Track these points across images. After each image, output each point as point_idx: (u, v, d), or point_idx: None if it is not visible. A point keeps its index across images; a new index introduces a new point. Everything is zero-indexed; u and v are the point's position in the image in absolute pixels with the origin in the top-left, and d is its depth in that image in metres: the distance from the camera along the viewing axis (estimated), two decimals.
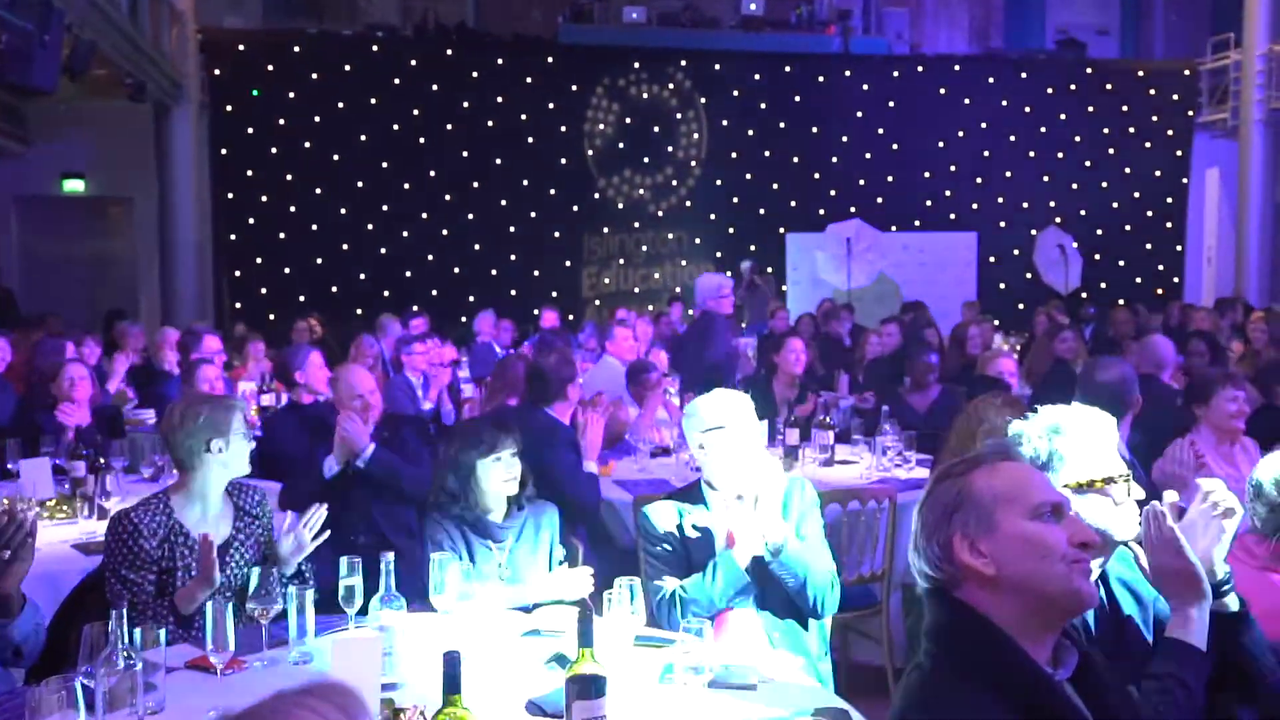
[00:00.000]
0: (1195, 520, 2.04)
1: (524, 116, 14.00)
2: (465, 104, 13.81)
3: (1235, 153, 15.24)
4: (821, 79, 14.96)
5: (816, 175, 15.00)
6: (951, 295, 14.52)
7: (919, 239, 15.26)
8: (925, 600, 1.69)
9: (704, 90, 14.64)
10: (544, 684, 2.46)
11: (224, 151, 13.30)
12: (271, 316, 12.66)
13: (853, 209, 14.58)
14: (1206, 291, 16.01)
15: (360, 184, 13.57)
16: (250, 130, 13.30)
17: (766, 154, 14.80)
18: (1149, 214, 15.91)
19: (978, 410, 3.28)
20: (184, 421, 2.98)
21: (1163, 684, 1.87)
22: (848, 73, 15.04)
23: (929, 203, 15.35)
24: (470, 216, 13.93)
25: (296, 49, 13.49)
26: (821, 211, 14.67)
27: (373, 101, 13.54)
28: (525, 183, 14.07)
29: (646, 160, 14.54)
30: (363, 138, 13.53)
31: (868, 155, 15.11)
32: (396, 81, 13.59)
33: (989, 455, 1.76)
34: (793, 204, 14.91)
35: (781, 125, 14.84)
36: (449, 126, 13.76)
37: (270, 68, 13.36)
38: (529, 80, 14.03)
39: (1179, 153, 15.96)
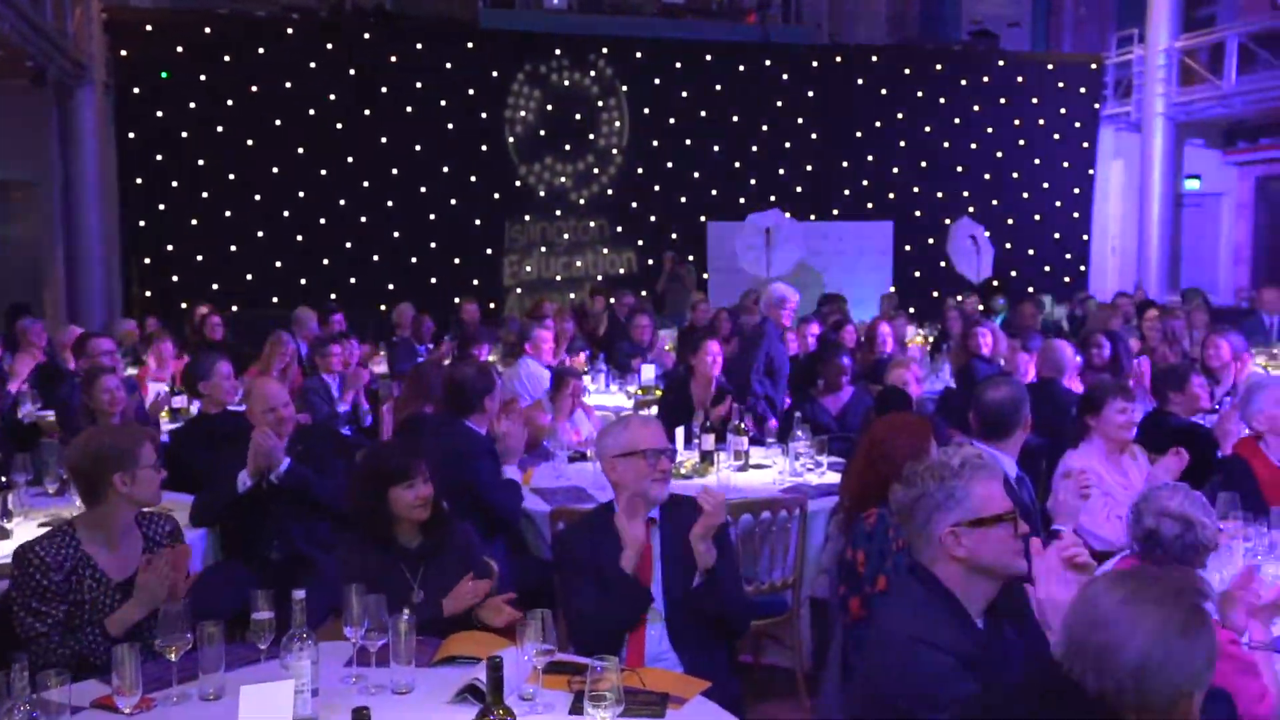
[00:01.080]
0: (1053, 566, 2.20)
1: (444, 102, 13.85)
2: (384, 89, 13.60)
3: (1139, 145, 15.77)
4: (742, 68, 15.06)
5: (737, 164, 15.12)
6: (869, 284, 14.86)
7: (838, 228, 15.53)
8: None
9: (625, 78, 14.64)
10: (456, 717, 2.50)
11: (131, 135, 12.90)
12: (183, 305, 12.37)
13: (773, 198, 14.77)
14: (1111, 280, 16.58)
15: (275, 170, 13.29)
16: (159, 114, 12.92)
17: (688, 142, 14.86)
18: (1057, 204, 16.40)
19: (883, 452, 3.36)
20: (88, 454, 2.93)
21: None
22: (768, 62, 15.15)
23: (847, 192, 15.60)
24: (389, 204, 13.75)
25: (207, 30, 13.12)
26: (742, 200, 14.83)
27: (288, 85, 13.25)
28: (445, 169, 13.93)
29: (568, 148, 14.49)
30: (278, 122, 13.24)
31: (787, 144, 15.28)
32: (312, 65, 13.32)
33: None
34: (714, 192, 15.02)
35: (703, 114, 14.90)
36: (367, 112, 13.54)
37: (180, 49, 12.97)
38: (449, 65, 13.86)
39: (1085, 145, 16.45)
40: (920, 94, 15.71)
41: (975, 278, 14.22)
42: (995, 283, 15.07)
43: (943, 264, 15.38)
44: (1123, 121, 16.32)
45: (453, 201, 14.01)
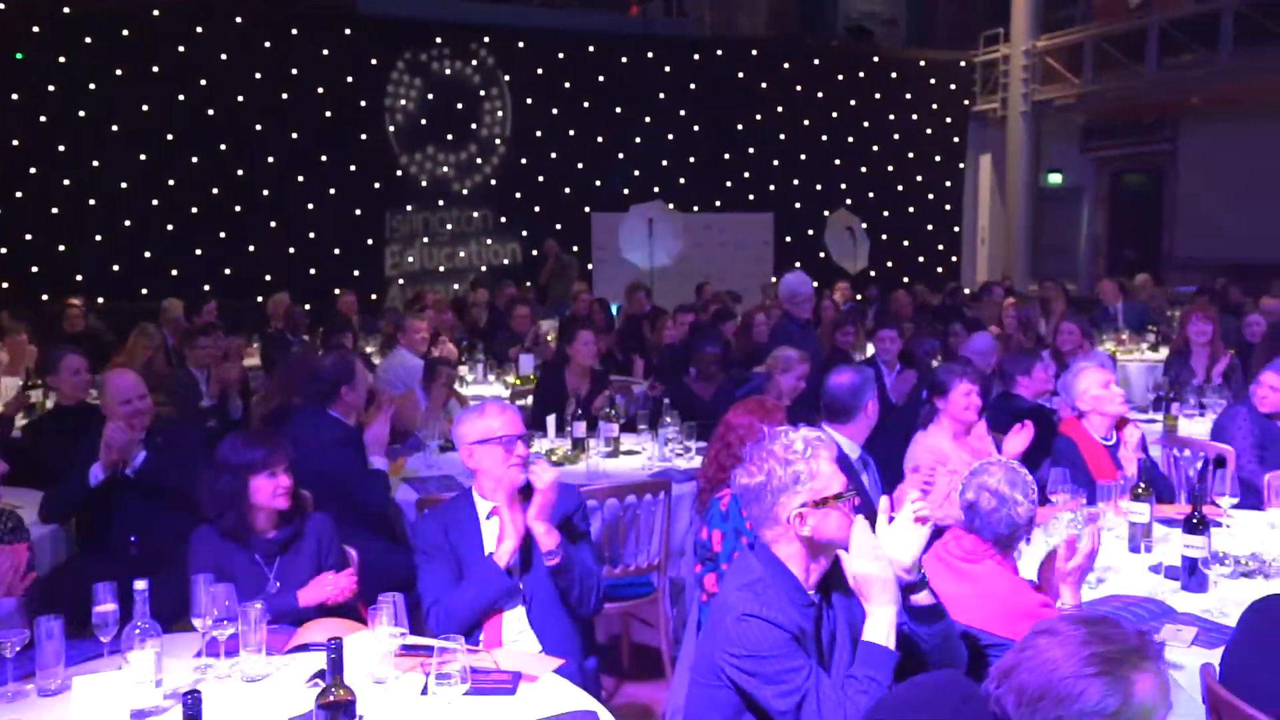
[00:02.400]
0: (899, 525, 2.30)
1: (320, 89, 13.57)
2: (257, 75, 13.25)
3: (1004, 140, 16.44)
4: (624, 59, 15.16)
5: (621, 155, 15.22)
6: (751, 275, 15.13)
7: (720, 219, 15.79)
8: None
9: (507, 67, 14.58)
10: (306, 701, 2.51)
11: None
12: (44, 297, 11.88)
13: (656, 189, 14.93)
14: (981, 271, 17.26)
15: (143, 157, 12.82)
16: (15, 96, 12.32)
17: (571, 133, 14.89)
18: (930, 197, 16.99)
19: (738, 435, 3.48)
20: None
21: (860, 683, 2.12)
22: (650, 54, 15.29)
23: (729, 184, 15.86)
24: (265, 193, 13.41)
25: (67, 10, 12.55)
26: (626, 191, 14.95)
27: (155, 70, 12.79)
28: (323, 158, 13.65)
29: (450, 137, 14.37)
30: (144, 108, 12.76)
31: (670, 136, 15.45)
32: (181, 50, 12.88)
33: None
34: (598, 183, 15.09)
35: (585, 104, 14.95)
36: (240, 98, 13.17)
37: (36, 29, 12.38)
38: (325, 52, 13.58)
39: (956, 139, 17.08)
40: (799, 88, 16.07)
41: (852, 269, 14.63)
42: (873, 273, 15.60)
43: (822, 255, 15.77)
44: (989, 117, 16.98)
45: (332, 191, 13.74)
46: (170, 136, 12.90)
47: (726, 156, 15.78)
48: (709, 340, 6.04)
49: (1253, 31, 12.97)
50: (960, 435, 4.36)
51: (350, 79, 13.71)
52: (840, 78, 16.31)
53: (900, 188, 16.76)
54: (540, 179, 14.82)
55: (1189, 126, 15.83)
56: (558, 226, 14.82)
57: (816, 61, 16.27)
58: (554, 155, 14.86)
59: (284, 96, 13.36)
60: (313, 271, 13.59)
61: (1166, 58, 14.18)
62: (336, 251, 13.84)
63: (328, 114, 13.61)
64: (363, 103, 13.83)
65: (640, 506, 4.32)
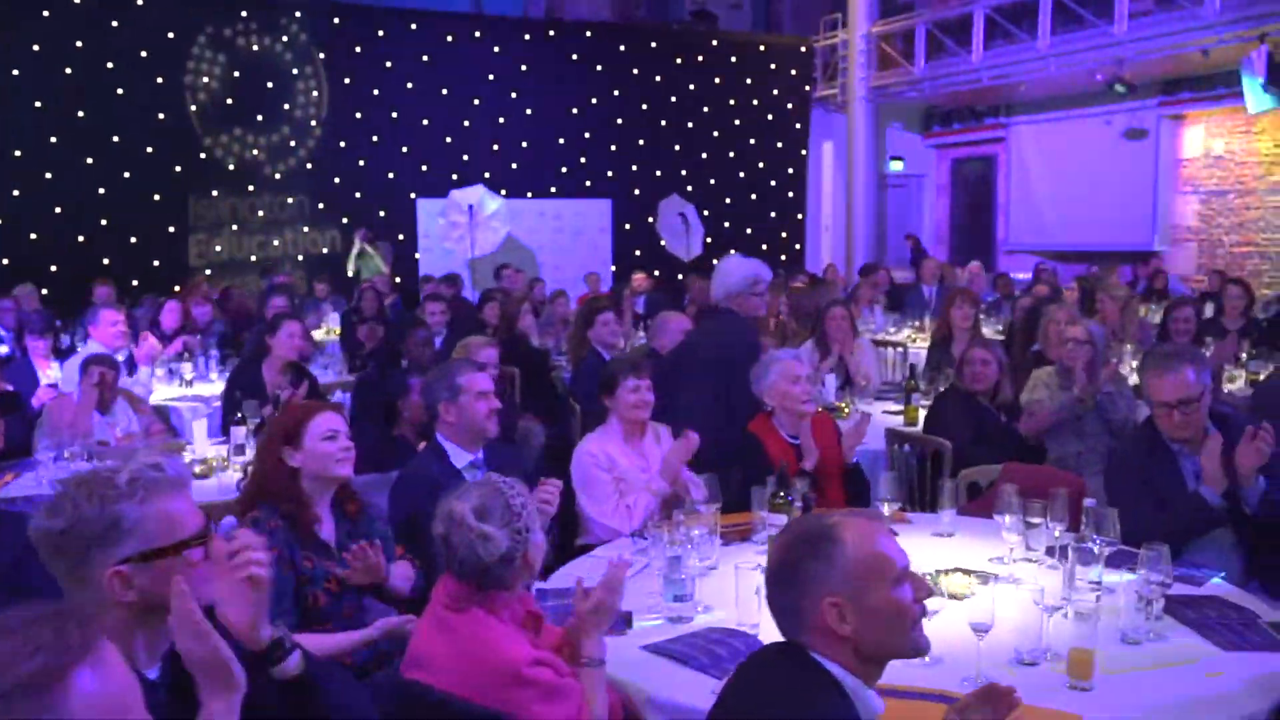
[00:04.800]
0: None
1: (110, 65, 12.57)
2: (35, 47, 12.18)
3: (845, 127, 16.30)
4: (451, 38, 14.51)
5: (448, 139, 14.58)
6: (588, 262, 14.67)
7: (555, 206, 15.29)
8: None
9: (322, 45, 13.79)
10: None
11: None
12: None
13: (487, 174, 14.34)
14: (825, 258, 17.12)
15: None
16: None
17: (394, 115, 14.18)
18: (773, 184, 16.75)
19: None
20: None
21: None
22: (478, 33, 14.66)
23: (564, 169, 15.35)
24: (48, 176, 12.35)
25: None
26: (455, 176, 14.29)
27: None
28: (115, 139, 12.67)
29: (260, 118, 13.51)
30: None
31: (501, 120, 14.86)
32: None
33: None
34: (424, 168, 14.41)
35: (409, 85, 14.25)
36: (15, 72, 12.10)
37: None
38: (115, 24, 12.58)
39: (798, 126, 16.87)
40: (636, 71, 15.64)
41: (685, 256, 14.31)
42: (715, 262, 15.20)
43: (663, 242, 15.43)
44: (831, 104, 16.84)
45: (126, 175, 12.76)
46: None
47: (561, 141, 15.26)
48: (419, 328, 5.52)
49: (1071, 19, 13.03)
50: (633, 436, 3.93)
51: (144, 54, 12.74)
52: (679, 61, 15.94)
53: (742, 174, 16.48)
54: (361, 163, 14.07)
55: (1019, 115, 15.93)
56: (381, 213, 14.12)
57: (654, 44, 15.86)
58: (375, 139, 14.13)
59: (67, 72, 12.33)
60: (106, 261, 12.58)
61: (992, 44, 14.20)
62: (133, 240, 12.87)
63: (119, 92, 12.62)
64: (159, 80, 12.86)
65: None
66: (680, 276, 12.89)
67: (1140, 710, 2.29)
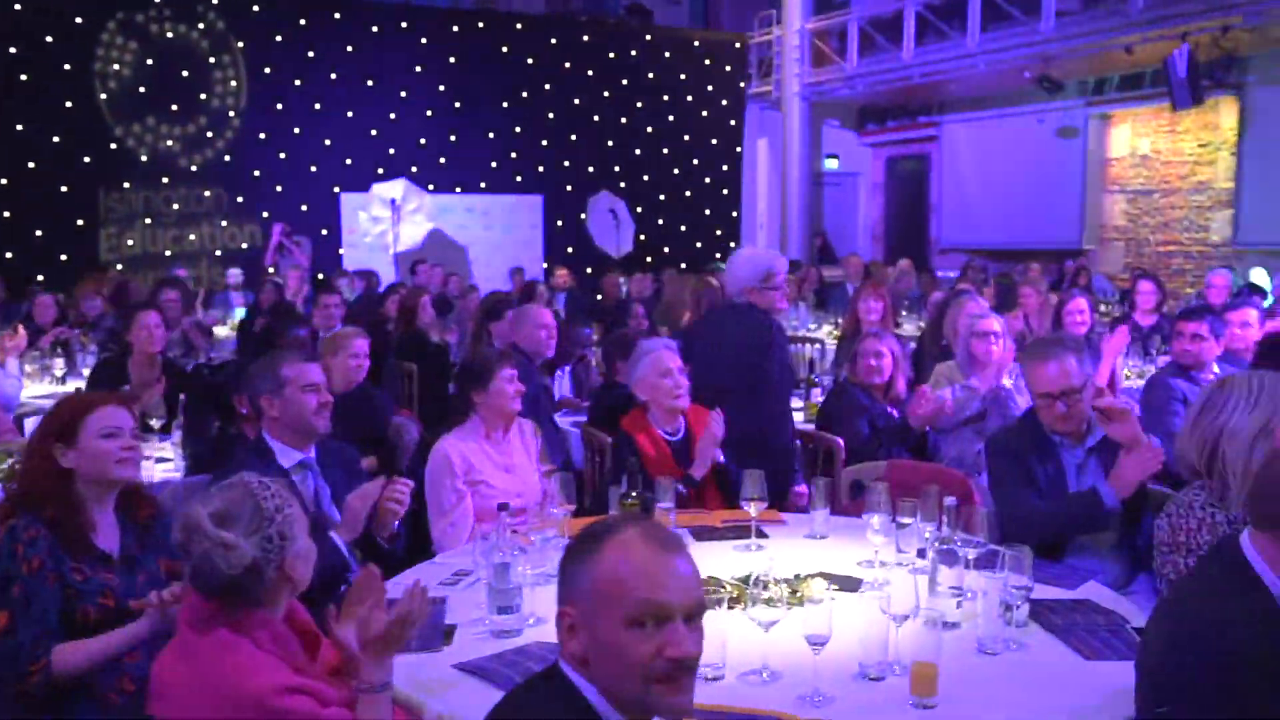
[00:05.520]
0: None
1: (13, 49, 12.05)
2: None
3: (780, 124, 16.19)
4: (376, 29, 14.13)
5: (374, 132, 14.19)
6: (520, 259, 14.42)
7: (484, 201, 15.00)
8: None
9: (241, 33, 13.35)
10: None
11: None
12: None
13: (414, 169, 14.02)
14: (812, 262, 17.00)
15: None
16: None
17: (317, 106, 13.78)
18: (707, 181, 16.58)
19: None
20: None
21: None
22: (404, 24, 14.32)
23: (494, 164, 15.04)
24: None
25: None
26: (380, 171, 13.95)
27: None
28: (19, 128, 12.14)
29: (175, 108, 13.04)
30: None
31: (429, 113, 14.51)
32: None
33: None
34: (348, 161, 14.02)
35: (333, 76, 13.86)
36: None
37: None
38: (19, 7, 12.07)
39: (733, 122, 16.72)
40: (568, 65, 15.38)
41: (616, 252, 14.11)
42: (649, 259, 15.11)
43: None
44: (766, 100, 16.72)
45: (30, 165, 12.23)
46: None
47: (491, 136, 14.94)
48: (296, 323, 5.24)
49: (1000, 16, 13.03)
50: (497, 432, 3.69)
51: (49, 38, 12.23)
52: (612, 56, 15.70)
53: (676, 171, 16.29)
54: (282, 156, 13.65)
55: (952, 114, 15.93)
56: (303, 208, 13.73)
57: (587, 38, 15.62)
58: (297, 130, 13.70)
59: None
60: (9, 255, 12.10)
61: (924, 42, 14.17)
62: (38, 234, 12.36)
63: (22, 77, 12.11)
64: (67, 66, 12.36)
65: None
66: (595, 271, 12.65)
67: None
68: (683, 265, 14.82)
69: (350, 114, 14.02)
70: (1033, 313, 7.32)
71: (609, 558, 1.50)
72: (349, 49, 13.93)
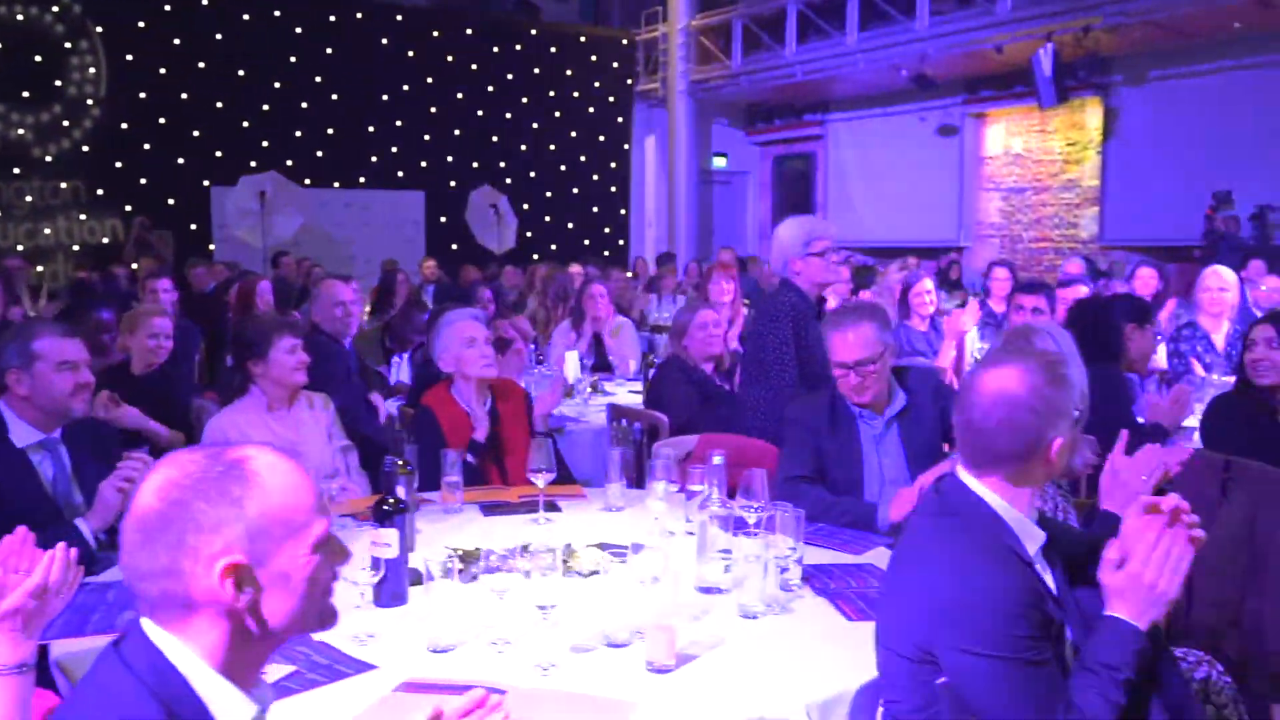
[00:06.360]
0: None
1: None
2: None
3: (666, 121, 16.14)
4: (247, 16, 13.65)
5: (245, 123, 13.71)
6: (401, 255, 14.04)
7: (364, 196, 14.62)
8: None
9: (99, 18, 12.75)
10: None
11: None
12: None
13: (289, 162, 13.55)
14: (650, 254, 16.91)
15: None
16: None
17: (183, 96, 13.25)
18: (595, 178, 16.46)
19: None
20: None
21: None
22: (277, 12, 13.86)
23: (375, 159, 14.67)
24: None
25: None
26: (253, 164, 13.42)
27: None
28: None
29: (26, 95, 12.40)
30: None
31: (304, 105, 14.08)
32: None
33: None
34: (218, 154, 13.51)
35: (201, 65, 13.35)
36: None
37: None
38: None
39: (620, 120, 16.64)
40: (450, 58, 15.10)
41: (497, 249, 13.85)
42: (535, 256, 14.86)
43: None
44: (653, 98, 16.67)
45: None
46: None
47: (371, 129, 14.58)
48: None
49: (879, 15, 13.18)
50: (279, 406, 3.46)
51: None
52: (496, 50, 15.47)
53: (564, 168, 16.13)
54: (146, 146, 13.07)
55: (836, 113, 16.09)
56: (170, 201, 13.20)
57: (470, 31, 15.35)
58: (162, 120, 13.15)
59: None
60: None
61: (807, 40, 14.27)
62: None
63: None
64: None
65: None
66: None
67: (722, 691, 1.96)
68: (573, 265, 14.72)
69: (219, 105, 13.52)
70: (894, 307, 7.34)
71: (266, 486, 1.28)
72: (218, 37, 13.44)
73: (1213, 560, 3.23)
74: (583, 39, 16.41)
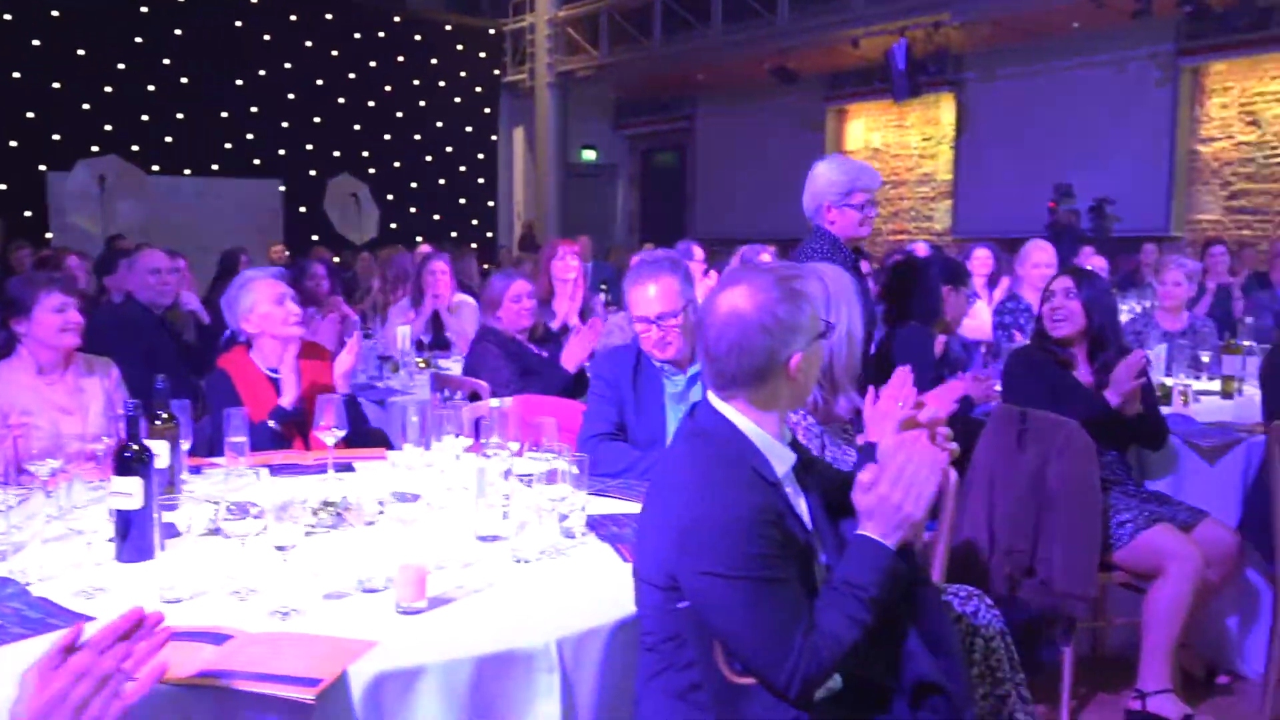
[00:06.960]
0: None
1: None
2: None
3: (534, 112, 16.01)
4: None
5: (86, 106, 13.04)
6: (256, 245, 13.54)
7: (217, 184, 14.08)
8: None
9: None
10: None
11: None
12: None
13: (135, 148, 12.93)
14: (516, 247, 16.76)
15: None
16: None
17: (15, 75, 12.52)
18: (462, 169, 16.21)
19: None
20: None
21: None
22: None
23: (229, 145, 14.14)
24: None
25: None
26: (95, 148, 12.77)
27: None
28: None
29: None
30: None
31: (151, 88, 13.48)
32: None
33: None
34: (55, 137, 12.81)
35: (36, 43, 12.65)
36: None
37: None
38: None
39: (488, 110, 16.43)
40: (309, 44, 14.66)
41: (358, 239, 13.50)
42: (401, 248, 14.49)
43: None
44: (520, 89, 16.52)
45: None
46: None
47: (224, 114, 14.03)
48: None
49: (740, 8, 13.32)
50: (55, 369, 3.23)
51: None
52: (358, 36, 15.08)
53: (430, 158, 15.83)
54: None
55: (704, 105, 16.21)
56: (3, 186, 12.45)
57: (330, 17, 14.92)
58: None
59: None
60: None
61: (671, 32, 14.33)
62: None
63: None
64: None
65: None
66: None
67: (472, 629, 1.87)
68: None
69: (57, 85, 12.85)
70: None
71: None
72: (55, 14, 12.76)
73: (1010, 511, 3.31)
74: (449, 27, 16.15)
